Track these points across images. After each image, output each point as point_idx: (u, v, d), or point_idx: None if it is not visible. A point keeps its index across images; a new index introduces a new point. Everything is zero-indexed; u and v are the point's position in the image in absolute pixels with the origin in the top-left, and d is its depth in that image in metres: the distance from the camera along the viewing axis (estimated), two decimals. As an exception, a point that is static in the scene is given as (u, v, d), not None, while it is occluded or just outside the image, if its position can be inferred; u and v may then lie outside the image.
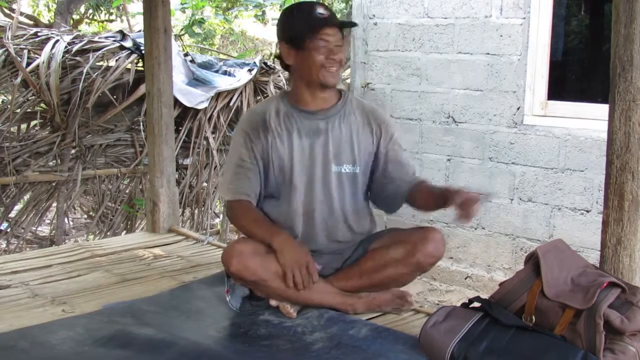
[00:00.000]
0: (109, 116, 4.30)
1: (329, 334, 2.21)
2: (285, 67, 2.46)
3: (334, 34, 2.33)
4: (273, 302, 2.36)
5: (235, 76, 4.92)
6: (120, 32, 4.66)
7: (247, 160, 2.40)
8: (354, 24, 2.40)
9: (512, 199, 4.14)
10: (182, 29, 6.79)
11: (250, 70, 4.95)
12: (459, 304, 2.22)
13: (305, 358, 2.08)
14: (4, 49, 3.96)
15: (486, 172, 4.22)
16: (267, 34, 11.49)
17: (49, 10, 9.82)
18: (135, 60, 4.37)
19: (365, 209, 2.54)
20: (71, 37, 4.31)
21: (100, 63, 4.29)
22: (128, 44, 4.42)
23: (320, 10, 2.33)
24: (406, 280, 2.44)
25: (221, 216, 5.19)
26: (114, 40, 4.45)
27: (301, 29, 2.33)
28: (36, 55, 4.07)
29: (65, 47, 4.14)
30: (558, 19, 4.33)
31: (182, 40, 6.41)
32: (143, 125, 4.31)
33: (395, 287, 2.45)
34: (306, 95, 2.43)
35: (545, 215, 4.00)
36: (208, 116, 4.61)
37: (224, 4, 8.60)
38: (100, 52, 4.25)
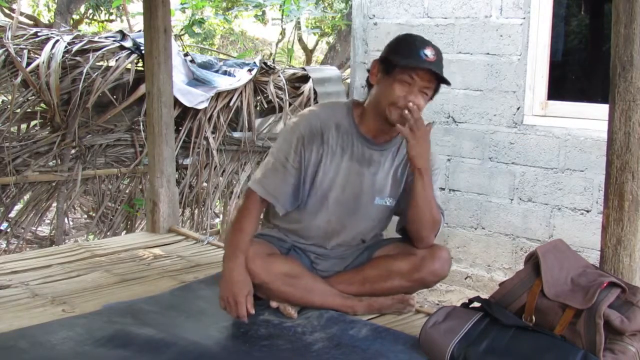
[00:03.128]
0: (109, 116, 4.29)
1: (329, 334, 2.21)
2: (369, 85, 2.33)
3: (426, 79, 2.17)
4: (273, 304, 2.36)
5: (235, 76, 4.92)
6: (120, 32, 4.66)
7: (290, 162, 2.30)
8: (447, 82, 2.22)
9: (512, 199, 4.14)
10: (182, 29, 6.79)
11: (250, 70, 4.95)
12: (459, 304, 2.22)
13: (305, 358, 2.08)
14: (4, 49, 3.96)
15: (486, 172, 4.22)
16: (267, 34, 11.50)
17: (49, 10, 9.83)
18: (135, 60, 4.37)
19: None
20: (71, 37, 4.30)
21: (100, 63, 4.28)
22: (128, 44, 4.41)
23: (428, 51, 2.16)
24: (407, 293, 2.44)
25: (221, 216, 5.19)
26: (114, 40, 4.45)
27: (400, 56, 2.19)
28: (36, 55, 4.07)
29: (65, 47, 4.13)
30: (558, 19, 4.33)
31: (182, 40, 6.42)
32: (143, 125, 4.31)
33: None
34: (371, 123, 2.31)
35: (545, 215, 4.00)
36: (208, 116, 4.60)
37: (224, 4, 8.61)
38: (100, 52, 4.24)
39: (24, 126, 4.26)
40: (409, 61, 2.16)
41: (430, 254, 2.34)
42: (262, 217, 2.55)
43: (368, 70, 2.33)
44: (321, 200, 2.34)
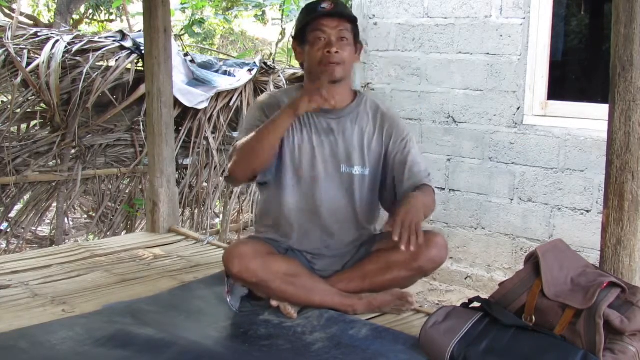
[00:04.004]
0: (109, 116, 4.29)
1: (329, 334, 2.21)
2: (301, 66, 2.47)
3: (334, 25, 2.29)
4: (274, 303, 2.36)
5: (235, 76, 4.92)
6: (120, 32, 4.66)
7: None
8: (353, 17, 2.35)
9: (512, 199, 4.14)
10: (182, 29, 6.80)
11: (250, 70, 4.95)
12: (459, 304, 2.22)
13: (305, 358, 2.08)
14: (4, 49, 3.96)
15: (486, 172, 4.22)
16: (267, 34, 11.49)
17: (49, 10, 9.83)
18: (135, 60, 4.37)
19: (375, 211, 2.53)
20: (71, 37, 4.30)
21: (100, 63, 4.28)
22: (128, 44, 4.41)
23: (324, 4, 2.30)
24: (408, 283, 2.44)
25: (221, 216, 5.19)
26: (114, 40, 4.45)
27: (303, 22, 2.35)
28: (36, 55, 4.07)
29: (65, 47, 4.13)
30: (558, 19, 4.34)
31: (182, 40, 6.42)
32: (143, 125, 4.31)
33: (396, 288, 2.45)
34: None
35: (545, 215, 4.00)
36: (208, 116, 4.60)
37: (224, 4, 8.61)
38: (100, 52, 4.24)
39: (24, 126, 4.26)
40: (309, 18, 2.31)
41: (426, 242, 2.30)
42: (254, 222, 2.56)
43: (299, 63, 2.47)
44: (293, 178, 2.39)
